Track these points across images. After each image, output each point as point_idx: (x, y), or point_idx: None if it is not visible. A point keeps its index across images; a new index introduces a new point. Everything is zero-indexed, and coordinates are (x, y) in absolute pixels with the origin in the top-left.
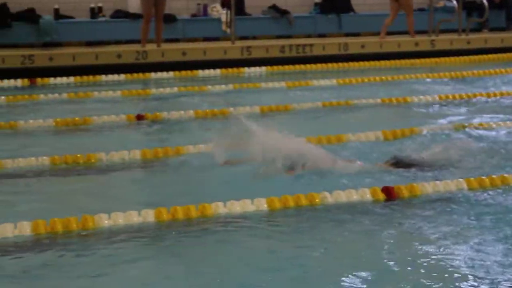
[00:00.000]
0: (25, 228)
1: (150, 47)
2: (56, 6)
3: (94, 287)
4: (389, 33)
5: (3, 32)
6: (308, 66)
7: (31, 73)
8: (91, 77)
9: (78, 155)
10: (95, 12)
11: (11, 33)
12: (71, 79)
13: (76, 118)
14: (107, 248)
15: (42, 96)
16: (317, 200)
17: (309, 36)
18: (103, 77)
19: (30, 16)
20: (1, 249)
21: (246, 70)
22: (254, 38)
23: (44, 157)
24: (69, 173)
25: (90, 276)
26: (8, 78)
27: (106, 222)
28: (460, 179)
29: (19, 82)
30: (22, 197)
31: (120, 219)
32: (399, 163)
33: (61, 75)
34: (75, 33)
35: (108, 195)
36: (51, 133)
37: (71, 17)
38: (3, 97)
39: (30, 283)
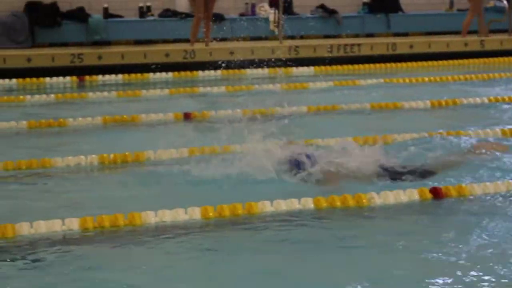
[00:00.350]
0: (73, 224)
1: (198, 46)
2: (105, 5)
3: (140, 283)
4: (438, 33)
5: (53, 31)
6: (356, 66)
7: (80, 71)
8: (139, 76)
9: (127, 153)
10: (143, 11)
11: (61, 32)
12: (120, 77)
13: (125, 116)
14: (153, 245)
15: (90, 94)
16: (364, 201)
17: (357, 36)
18: (151, 76)
19: (79, 15)
20: (49, 244)
21: (293, 69)
22: (302, 37)
23: (93, 155)
24: (117, 170)
25: (137, 273)
26: (58, 76)
27: (153, 219)
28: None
29: (68, 80)
30: (70, 194)
31: (166, 216)
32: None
33: (109, 74)
34: (123, 32)
35: (155, 192)
36: (100, 130)
37: (120, 16)
38: (52, 95)
39: (76, 277)
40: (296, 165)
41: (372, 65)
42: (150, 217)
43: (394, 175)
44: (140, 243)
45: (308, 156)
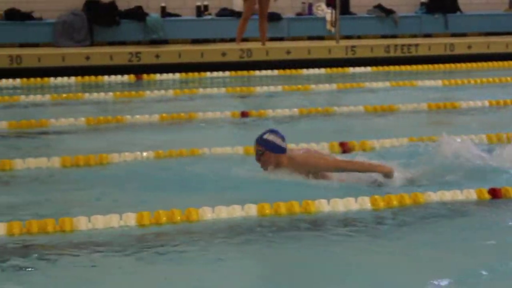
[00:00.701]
0: (130, 220)
1: (255, 45)
2: (163, 4)
3: (199, 276)
4: (496, 34)
5: (111, 30)
6: (413, 66)
7: (138, 69)
8: (196, 74)
9: (183, 150)
10: (201, 10)
11: (119, 30)
12: (177, 76)
13: (182, 114)
14: (209, 240)
15: (148, 92)
16: (421, 200)
17: (414, 36)
18: (208, 74)
19: (137, 14)
20: (107, 239)
21: (350, 69)
22: (359, 37)
23: (150, 151)
24: (174, 167)
25: (193, 268)
26: (116, 74)
27: (210, 215)
28: None
29: (126, 79)
30: (127, 190)
31: (223, 213)
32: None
33: (167, 72)
34: (181, 31)
35: (211, 188)
36: (157, 128)
37: (178, 15)
38: (110, 93)
39: (135, 270)
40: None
41: (429, 66)
42: (207, 213)
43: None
44: (194, 239)
45: (274, 132)
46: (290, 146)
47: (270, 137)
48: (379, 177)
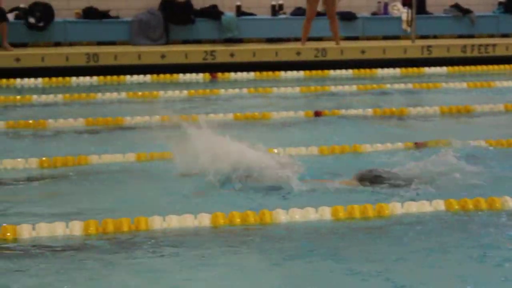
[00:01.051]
0: (205, 220)
1: (330, 44)
2: (238, 3)
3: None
4: None
5: (187, 28)
6: (490, 67)
7: (213, 68)
8: (270, 73)
9: None
10: (276, 10)
11: (195, 29)
12: (251, 74)
13: (256, 113)
14: (284, 243)
15: (222, 91)
16: (470, 206)
17: (491, 36)
18: (282, 74)
19: (212, 12)
20: (181, 238)
21: (426, 69)
22: (435, 37)
23: None
24: None
25: (240, 271)
26: (191, 72)
27: (283, 217)
28: None
29: (200, 77)
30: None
31: (297, 215)
32: (364, 179)
33: (241, 71)
34: (256, 30)
35: (282, 190)
36: (231, 127)
37: (253, 14)
38: (185, 91)
39: (206, 269)
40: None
41: (507, 66)
42: (281, 216)
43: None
44: (271, 240)
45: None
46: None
47: None
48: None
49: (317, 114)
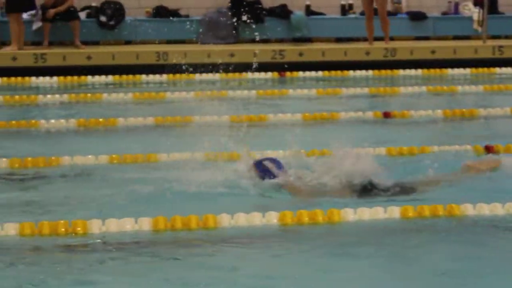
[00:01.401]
0: (273, 217)
1: (399, 44)
2: (308, 2)
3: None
4: None
5: (256, 27)
6: None
7: (281, 67)
8: (339, 73)
9: (324, 150)
10: (345, 9)
11: (264, 28)
12: (320, 74)
13: (324, 113)
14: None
15: (291, 90)
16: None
17: None
18: (351, 73)
19: (282, 11)
20: (219, 238)
21: (497, 70)
22: (507, 37)
23: (294, 150)
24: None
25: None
26: (259, 71)
27: (352, 216)
28: None
29: (269, 76)
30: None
31: (365, 215)
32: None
33: (310, 70)
34: (325, 29)
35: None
36: (299, 127)
37: (322, 14)
38: (253, 90)
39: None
40: (264, 171)
41: None
42: (349, 215)
43: (365, 191)
44: (339, 243)
45: (274, 161)
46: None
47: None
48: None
49: (386, 115)
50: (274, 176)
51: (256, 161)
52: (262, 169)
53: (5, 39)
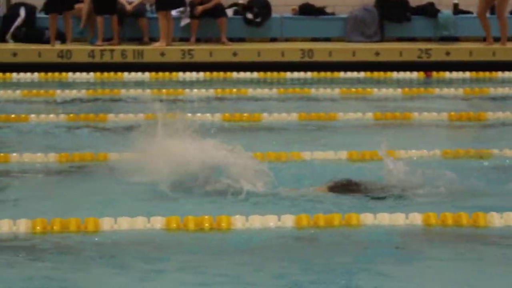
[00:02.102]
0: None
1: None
2: (455, 1)
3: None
4: None
5: (402, 26)
6: None
7: (427, 66)
8: (487, 74)
9: (470, 150)
10: (493, 7)
11: (410, 27)
12: (467, 74)
13: (471, 113)
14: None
15: (437, 90)
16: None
17: None
18: (500, 74)
19: (429, 10)
20: (263, 238)
21: None
22: None
23: (436, 150)
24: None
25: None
26: (405, 70)
27: (402, 221)
28: None
29: (415, 75)
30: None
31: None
32: (335, 187)
33: (457, 70)
34: (473, 29)
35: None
36: (444, 127)
37: (470, 12)
38: (399, 89)
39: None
40: None
41: None
42: (399, 219)
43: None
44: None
45: None
46: None
47: None
48: None
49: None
50: None
51: None
52: None
53: (154, 35)
